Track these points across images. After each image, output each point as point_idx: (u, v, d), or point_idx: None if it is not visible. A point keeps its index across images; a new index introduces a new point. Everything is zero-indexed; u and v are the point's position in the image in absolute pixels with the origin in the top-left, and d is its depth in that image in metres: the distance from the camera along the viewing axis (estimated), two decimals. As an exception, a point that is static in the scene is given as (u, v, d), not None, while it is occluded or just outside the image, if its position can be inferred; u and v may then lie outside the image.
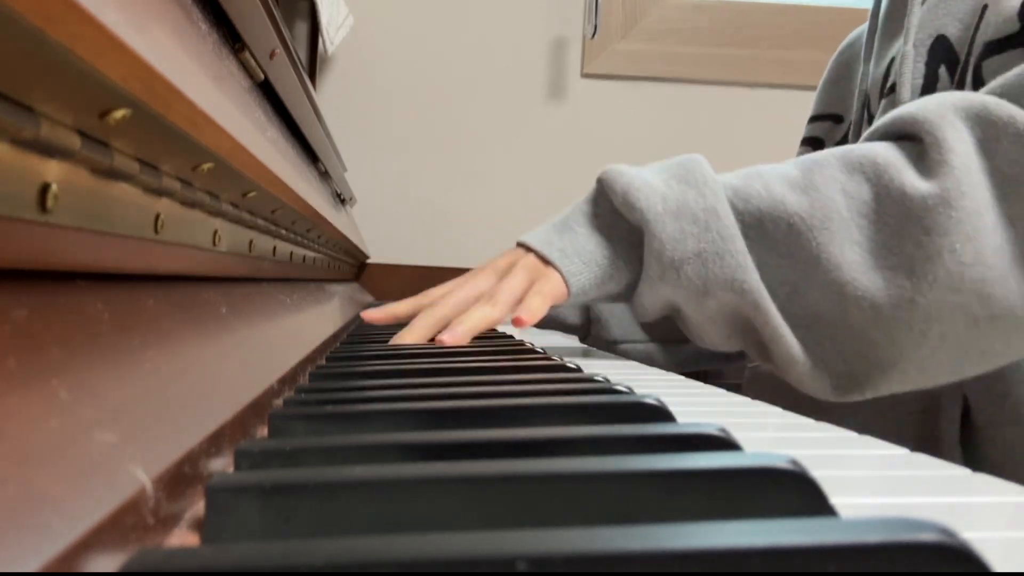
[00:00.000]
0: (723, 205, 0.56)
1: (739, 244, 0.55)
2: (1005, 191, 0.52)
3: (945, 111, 0.53)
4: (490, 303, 0.59)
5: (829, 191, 0.55)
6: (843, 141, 0.90)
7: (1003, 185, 0.52)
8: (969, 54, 0.66)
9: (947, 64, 0.72)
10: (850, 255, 0.54)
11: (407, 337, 0.59)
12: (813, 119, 0.98)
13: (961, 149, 0.52)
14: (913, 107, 0.56)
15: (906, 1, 0.77)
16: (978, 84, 0.64)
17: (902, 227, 0.53)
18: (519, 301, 0.59)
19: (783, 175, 0.57)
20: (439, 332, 0.58)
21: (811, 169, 0.56)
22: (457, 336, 0.57)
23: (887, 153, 0.54)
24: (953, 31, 0.72)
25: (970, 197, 0.51)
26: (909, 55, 0.73)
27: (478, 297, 0.60)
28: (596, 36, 1.62)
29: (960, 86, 0.67)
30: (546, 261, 0.60)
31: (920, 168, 0.53)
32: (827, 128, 0.95)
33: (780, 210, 0.55)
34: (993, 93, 0.55)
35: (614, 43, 1.67)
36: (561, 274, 0.60)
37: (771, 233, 0.56)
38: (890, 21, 0.84)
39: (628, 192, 0.58)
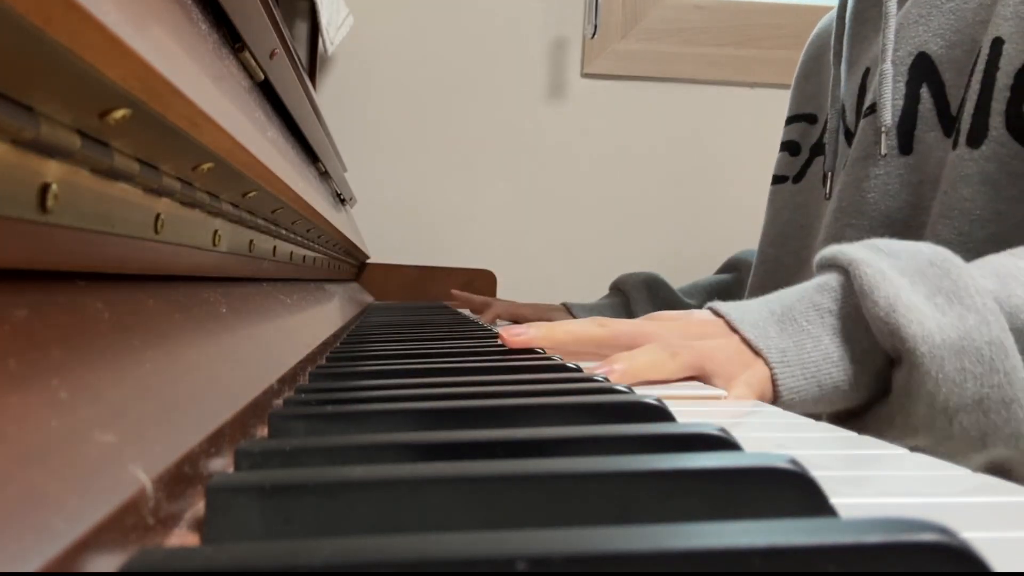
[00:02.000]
0: (1008, 336, 0.46)
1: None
2: None
3: None
4: (668, 351, 0.48)
5: None
6: (819, 143, 0.87)
7: None
8: (988, 91, 0.63)
9: (929, 84, 0.70)
10: None
11: (559, 327, 0.53)
12: (789, 120, 0.96)
13: None
14: None
15: (877, 6, 0.75)
16: (1015, 125, 0.61)
17: None
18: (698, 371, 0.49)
19: None
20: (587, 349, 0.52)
21: None
22: (626, 371, 0.47)
23: None
24: (935, 48, 0.69)
25: None
26: (888, 74, 0.71)
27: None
28: (596, 36, 1.62)
29: (977, 121, 0.64)
30: (757, 352, 0.49)
31: None
32: (802, 130, 0.93)
33: None
34: None
35: (614, 43, 1.67)
36: (773, 378, 0.48)
37: None
38: (859, 25, 0.82)
39: (894, 310, 0.46)
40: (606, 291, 1.23)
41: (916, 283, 0.48)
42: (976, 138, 0.64)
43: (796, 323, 0.50)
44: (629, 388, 0.34)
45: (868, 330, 0.48)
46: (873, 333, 0.48)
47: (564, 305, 1.16)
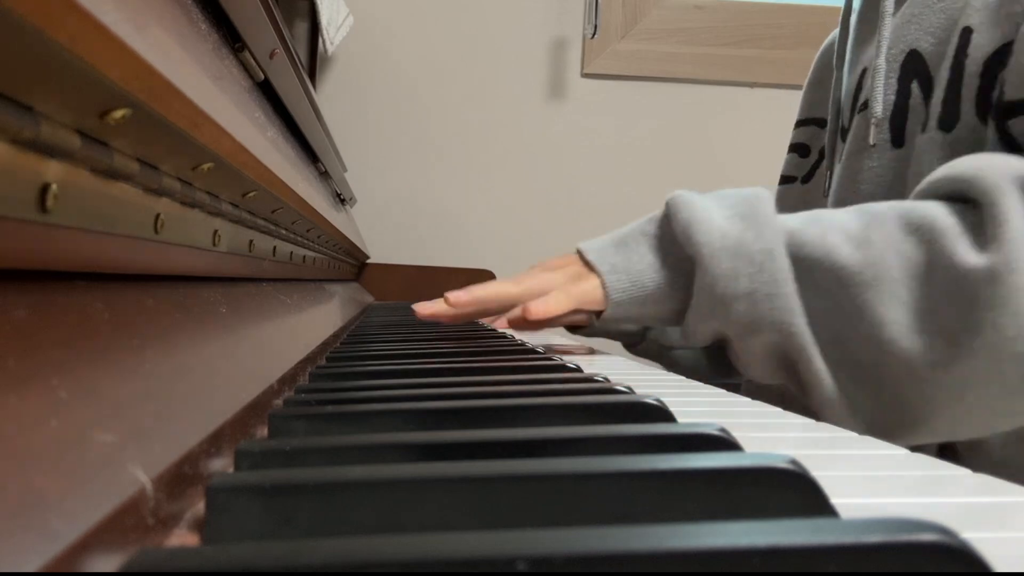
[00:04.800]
0: (779, 248, 0.57)
1: (789, 288, 0.57)
2: None
3: (1004, 179, 0.53)
4: (512, 280, 0.63)
5: (884, 249, 0.55)
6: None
7: None
8: (958, 77, 0.66)
9: (919, 80, 0.72)
10: (894, 314, 0.55)
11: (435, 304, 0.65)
12: (799, 123, 0.97)
13: (1017, 223, 0.52)
14: (972, 168, 0.55)
15: (877, 9, 0.77)
16: (985, 110, 0.64)
17: (949, 296, 0.53)
18: (542, 292, 0.62)
19: (842, 225, 0.58)
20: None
21: (870, 223, 0.57)
22: (459, 296, 0.63)
23: (946, 219, 0.55)
24: (925, 46, 0.71)
25: (1020, 273, 0.51)
26: (881, 69, 0.73)
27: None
28: (596, 36, 1.62)
29: (948, 107, 0.66)
30: (591, 269, 0.63)
31: (975, 239, 0.53)
32: (812, 133, 0.94)
33: (831, 261, 0.56)
34: None
35: (614, 43, 1.67)
36: (603, 285, 0.62)
37: (820, 281, 0.57)
38: (862, 27, 0.84)
39: (689, 224, 0.59)
40: None
41: (722, 208, 0.60)
42: (948, 123, 0.67)
43: (627, 245, 0.63)
44: (629, 388, 0.34)
45: (679, 244, 0.61)
46: (680, 245, 0.60)
47: None
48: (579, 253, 0.65)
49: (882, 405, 0.57)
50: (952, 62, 0.67)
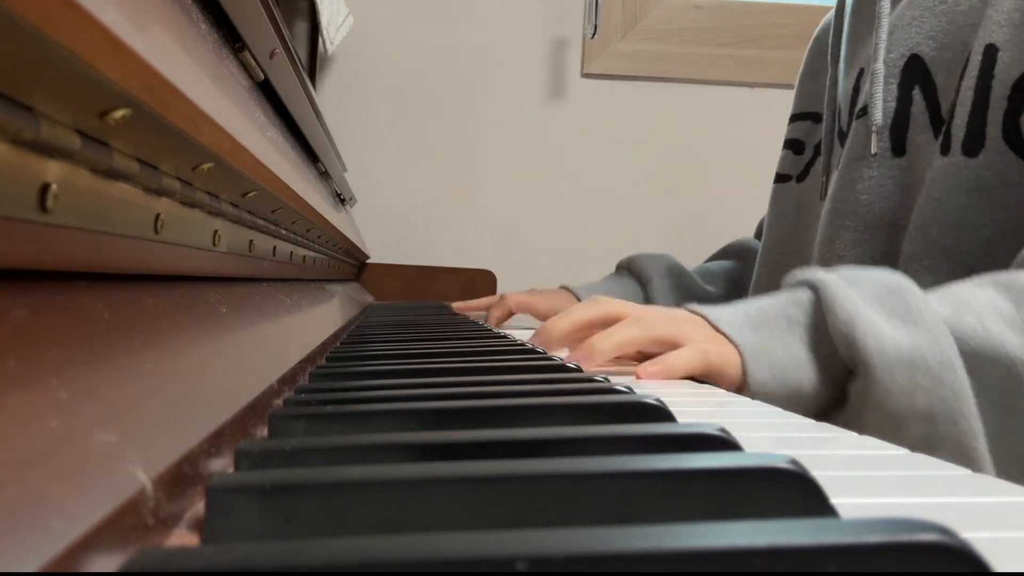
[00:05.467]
0: (957, 355, 0.50)
1: (972, 404, 0.50)
2: None
3: None
4: (642, 326, 0.54)
5: None
6: (820, 143, 0.88)
7: None
8: (984, 99, 0.64)
9: (922, 87, 0.70)
10: None
11: (558, 322, 0.57)
12: (793, 118, 0.95)
13: None
14: None
15: (872, 5, 0.74)
16: (1013, 136, 0.62)
17: None
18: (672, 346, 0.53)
19: (994, 307, 0.52)
20: (587, 333, 0.56)
21: (1020, 303, 0.52)
22: (599, 350, 0.53)
23: None
24: (927, 51, 0.70)
25: None
26: (879, 74, 0.71)
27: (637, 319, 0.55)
28: (596, 36, 1.62)
29: (972, 130, 0.64)
30: (729, 340, 0.53)
31: None
32: (807, 128, 0.92)
33: (1000, 353, 0.50)
34: None
35: (614, 43, 1.67)
36: (743, 365, 0.52)
37: (986, 376, 0.51)
38: (857, 23, 0.82)
39: (854, 324, 0.50)
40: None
41: (874, 306, 0.52)
42: (973, 147, 0.65)
43: (769, 328, 0.54)
44: (629, 388, 0.34)
45: (832, 342, 0.52)
46: (835, 344, 0.51)
47: (566, 288, 1.11)
48: (699, 315, 0.55)
49: None
50: (976, 82, 0.64)
